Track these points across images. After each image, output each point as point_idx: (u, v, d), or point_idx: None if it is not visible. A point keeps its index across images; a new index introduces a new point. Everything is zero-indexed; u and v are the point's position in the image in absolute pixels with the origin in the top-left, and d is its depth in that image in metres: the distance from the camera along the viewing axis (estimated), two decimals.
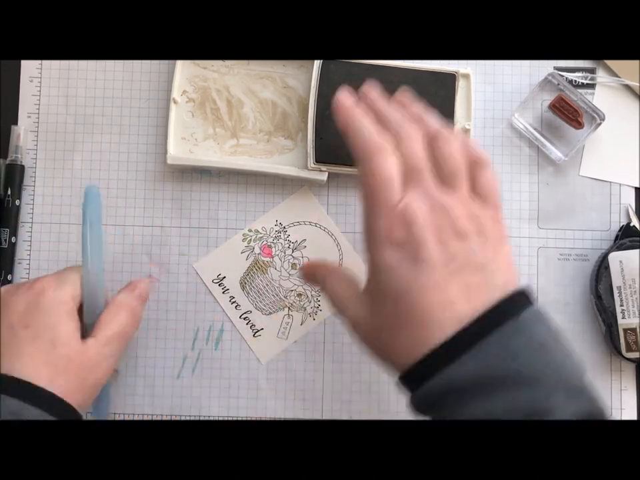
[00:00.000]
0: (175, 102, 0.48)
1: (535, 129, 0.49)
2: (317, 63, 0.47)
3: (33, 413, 0.38)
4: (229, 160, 0.49)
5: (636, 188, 0.49)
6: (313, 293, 0.49)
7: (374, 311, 0.36)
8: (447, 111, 0.48)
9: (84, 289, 0.43)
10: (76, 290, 0.42)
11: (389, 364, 0.36)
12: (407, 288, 0.33)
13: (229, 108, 0.49)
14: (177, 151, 0.48)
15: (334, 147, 0.47)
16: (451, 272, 0.33)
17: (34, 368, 0.39)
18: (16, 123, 0.50)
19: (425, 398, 0.33)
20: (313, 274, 0.42)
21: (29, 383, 0.39)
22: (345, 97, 0.38)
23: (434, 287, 0.33)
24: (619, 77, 0.49)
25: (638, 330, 0.46)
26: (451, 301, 0.33)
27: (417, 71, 0.48)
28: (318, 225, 0.49)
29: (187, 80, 0.49)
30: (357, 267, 0.49)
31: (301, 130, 0.49)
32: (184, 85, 0.49)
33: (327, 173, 0.48)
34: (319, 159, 0.47)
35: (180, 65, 0.49)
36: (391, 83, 0.47)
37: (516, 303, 0.33)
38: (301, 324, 0.49)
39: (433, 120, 0.38)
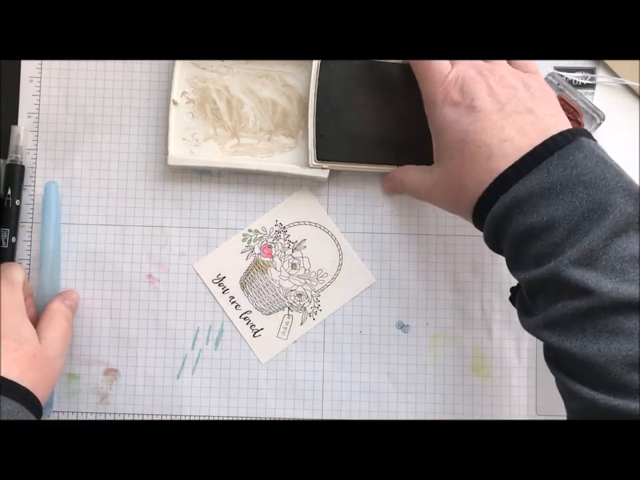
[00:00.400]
0: (175, 103, 0.48)
1: None
2: (316, 61, 0.47)
3: (10, 407, 0.38)
4: (230, 160, 0.48)
5: None
6: (313, 293, 0.49)
7: (444, 171, 0.41)
8: None
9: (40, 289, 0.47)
10: (23, 290, 0.45)
11: (464, 210, 0.40)
12: (468, 134, 0.39)
13: (229, 108, 0.49)
14: (177, 152, 0.48)
15: (335, 144, 0.47)
16: (504, 116, 0.38)
17: (5, 364, 0.41)
18: (16, 123, 0.50)
19: (497, 214, 0.37)
20: (392, 181, 0.47)
21: (5, 378, 0.40)
22: None
23: (492, 128, 0.38)
24: (619, 77, 0.49)
25: None
26: (509, 137, 0.38)
27: None
28: (318, 225, 0.49)
29: (186, 81, 0.49)
30: (357, 266, 0.49)
31: (301, 128, 0.49)
32: (183, 85, 0.49)
33: (328, 171, 0.48)
34: (320, 157, 0.47)
35: (179, 66, 0.48)
36: (390, 80, 0.47)
37: (574, 132, 0.37)
38: (301, 324, 0.49)
39: None
